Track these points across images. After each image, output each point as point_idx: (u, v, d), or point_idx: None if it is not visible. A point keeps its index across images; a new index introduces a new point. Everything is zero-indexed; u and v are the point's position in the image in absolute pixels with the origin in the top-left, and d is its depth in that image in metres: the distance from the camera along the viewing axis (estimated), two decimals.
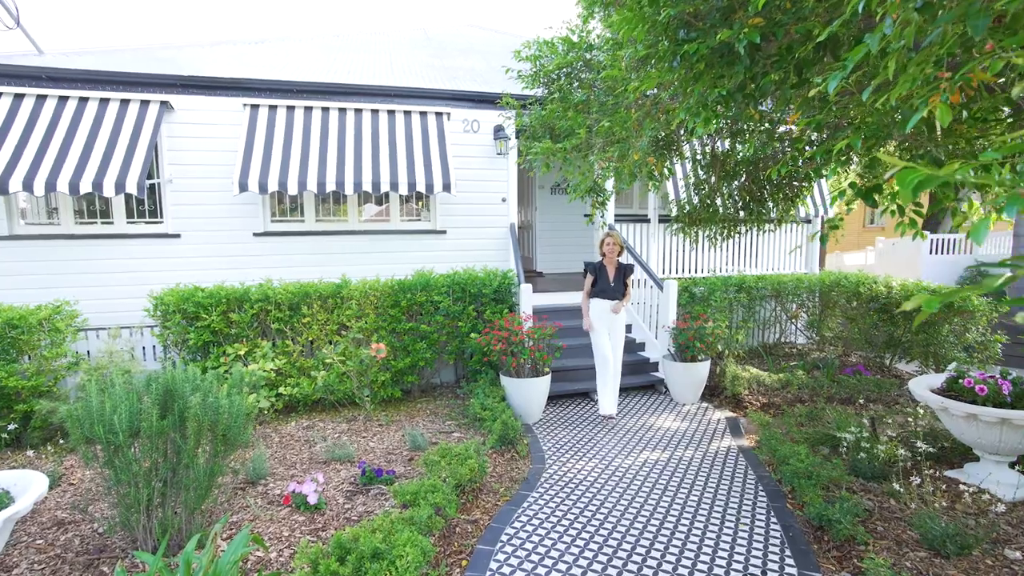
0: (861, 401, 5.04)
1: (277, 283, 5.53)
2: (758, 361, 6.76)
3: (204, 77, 5.87)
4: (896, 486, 3.16)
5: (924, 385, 3.80)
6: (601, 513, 3.36)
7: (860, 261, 15.94)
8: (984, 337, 5.47)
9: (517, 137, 6.78)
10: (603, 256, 5.07)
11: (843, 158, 1.53)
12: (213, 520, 3.14)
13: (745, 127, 5.10)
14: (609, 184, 4.28)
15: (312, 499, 3.30)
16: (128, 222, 5.96)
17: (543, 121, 4.10)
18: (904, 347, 6.05)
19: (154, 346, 5.80)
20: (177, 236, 6.00)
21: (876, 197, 1.66)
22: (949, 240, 12.27)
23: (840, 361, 6.43)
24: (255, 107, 6.01)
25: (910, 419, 4.16)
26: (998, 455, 3.42)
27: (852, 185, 1.61)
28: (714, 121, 2.08)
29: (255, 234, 6.26)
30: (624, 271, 5.08)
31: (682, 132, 3.42)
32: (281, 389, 5.05)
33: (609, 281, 5.02)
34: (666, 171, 3.79)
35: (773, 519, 3.24)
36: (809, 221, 8.32)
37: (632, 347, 6.47)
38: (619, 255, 5.00)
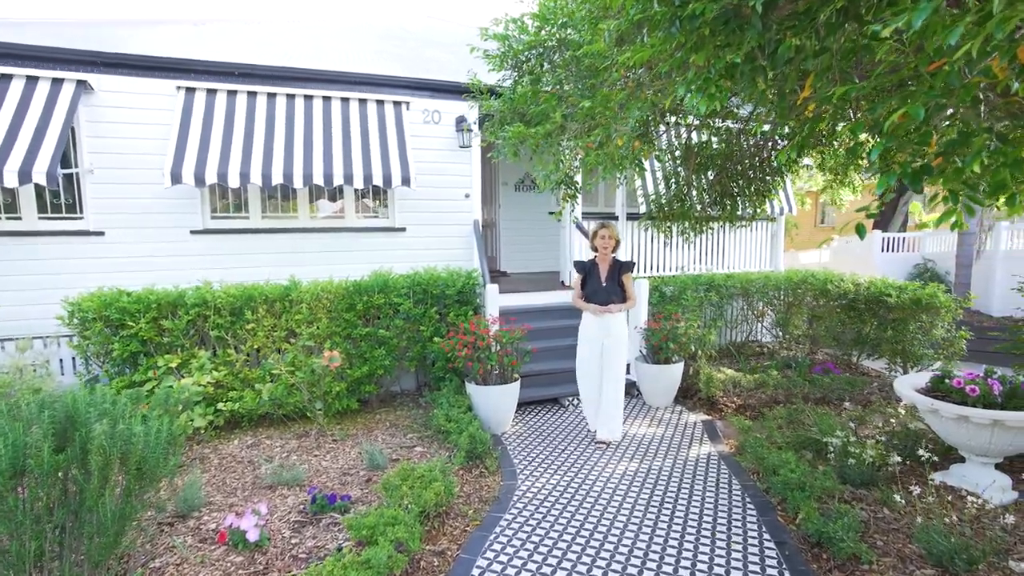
0: (847, 404, 4.93)
1: (218, 285, 4.97)
2: (729, 361, 6.65)
3: (130, 55, 5.22)
4: (897, 497, 2.99)
5: (908, 385, 3.68)
6: (581, 536, 3.05)
7: (815, 259, 16.40)
8: (949, 334, 5.51)
9: (481, 127, 6.42)
10: (595, 252, 4.48)
11: (902, 133, 1.28)
12: (129, 569, 2.65)
13: (711, 122, 4.96)
14: (581, 176, 3.98)
15: (252, 535, 2.85)
16: (40, 218, 5.24)
17: (513, 106, 3.76)
18: (872, 344, 6.05)
19: (73, 358, 5.12)
20: (100, 234, 5.33)
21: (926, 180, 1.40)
22: (899, 239, 12.72)
23: (809, 359, 6.39)
24: (191, 91, 5.41)
25: (892, 420, 4.06)
26: (986, 456, 3.32)
27: (902, 165, 1.36)
28: (718, 97, 1.81)
29: (193, 232, 5.65)
30: (619, 268, 4.37)
31: (665, 116, 3.14)
32: (221, 404, 4.50)
33: (600, 281, 4.35)
34: (653, 157, 3.51)
35: (766, 535, 3.01)
36: (773, 219, 8.33)
37: None
38: (614, 251, 4.40)
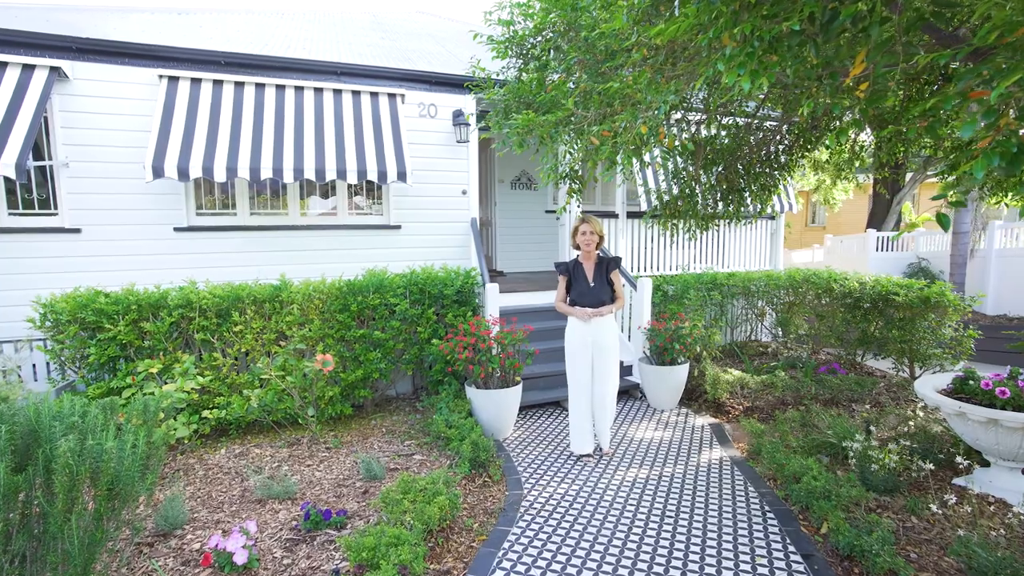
0: (867, 406, 4.80)
1: (203, 286, 4.71)
2: (732, 361, 6.51)
3: (109, 41, 4.94)
4: (934, 507, 2.83)
5: (931, 387, 3.54)
6: (596, 552, 2.85)
7: (808, 258, 16.40)
8: (957, 333, 5.41)
9: (479, 120, 6.21)
10: (577, 249, 4.04)
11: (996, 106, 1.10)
12: None
13: (718, 116, 4.81)
14: (586, 169, 3.77)
15: (240, 557, 2.61)
16: (11, 214, 4.93)
17: (518, 95, 3.55)
18: (879, 343, 5.93)
19: (48, 363, 4.82)
20: (77, 231, 5.04)
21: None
22: (893, 238, 12.72)
23: (813, 360, 6.27)
24: (174, 80, 5.14)
25: (910, 422, 3.93)
26: (1014, 461, 3.18)
27: (1002, 144, 1.19)
28: (764, 74, 1.62)
29: (176, 229, 5.38)
30: (607, 265, 3.98)
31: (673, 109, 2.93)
32: (206, 412, 4.24)
33: (588, 281, 3.94)
34: (659, 152, 3.35)
35: (791, 547, 2.84)
36: (773, 217, 8.23)
37: None
38: (598, 247, 4.01)
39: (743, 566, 2.70)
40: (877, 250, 12.55)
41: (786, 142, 4.99)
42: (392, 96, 5.90)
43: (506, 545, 2.92)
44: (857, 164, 5.40)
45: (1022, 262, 10.50)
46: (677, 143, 2.94)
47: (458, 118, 6.14)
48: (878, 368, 6.41)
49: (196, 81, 5.21)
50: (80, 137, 4.96)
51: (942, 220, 1.50)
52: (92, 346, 4.24)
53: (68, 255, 5.01)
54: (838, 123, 4.68)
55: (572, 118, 2.93)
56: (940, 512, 2.87)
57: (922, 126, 1.52)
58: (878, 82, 1.52)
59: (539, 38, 3.46)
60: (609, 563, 2.75)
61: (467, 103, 6.24)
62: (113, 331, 4.24)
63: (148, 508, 3.18)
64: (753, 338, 7.54)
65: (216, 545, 2.69)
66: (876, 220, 13.58)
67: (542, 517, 3.24)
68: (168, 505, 3.06)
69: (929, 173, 12.65)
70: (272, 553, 2.81)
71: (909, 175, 12.75)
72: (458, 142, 6.24)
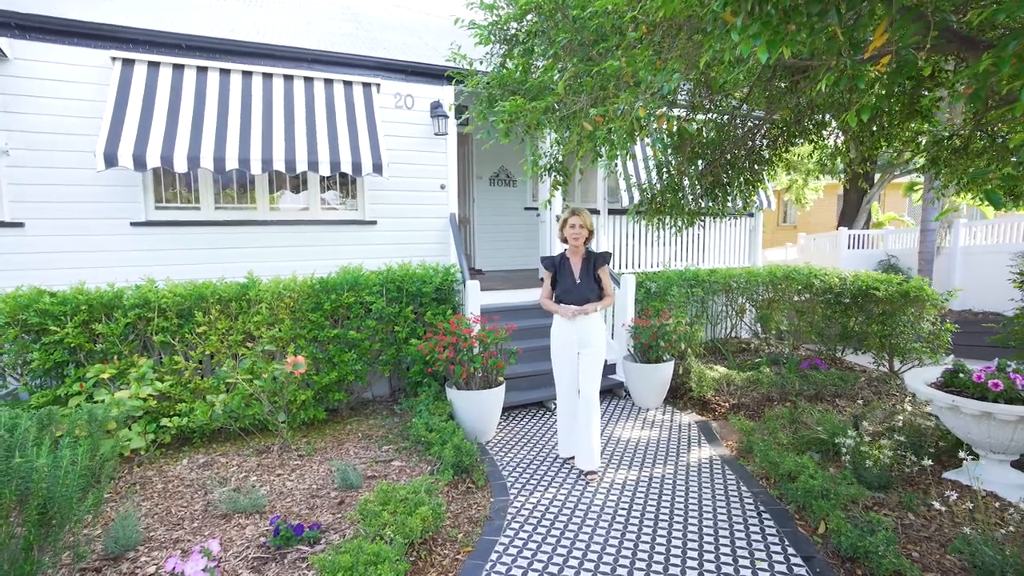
0: (860, 402, 4.78)
1: (163, 284, 4.38)
2: (715, 358, 6.47)
3: (55, 19, 4.55)
4: (936, 504, 2.76)
5: (920, 380, 3.51)
6: (589, 560, 2.69)
7: (781, 256, 16.69)
8: (935, 327, 5.46)
9: (458, 115, 6.01)
10: (564, 243, 3.77)
11: None
12: None
13: (704, 109, 4.72)
14: (580, 158, 3.59)
15: None
16: None
17: (502, 83, 3.37)
18: (859, 338, 5.96)
19: None
20: (19, 225, 4.63)
21: None
22: (864, 236, 13.02)
23: (796, 356, 6.27)
24: (129, 63, 4.78)
25: (898, 416, 3.90)
26: (1004, 454, 3.16)
27: None
28: (784, 42, 1.48)
29: (133, 224, 5.01)
30: (595, 261, 3.72)
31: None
32: (166, 420, 3.93)
33: (574, 277, 3.69)
34: (646, 145, 3.22)
35: (790, 549, 2.73)
36: (752, 215, 8.25)
37: None
38: (587, 242, 3.77)
39: (743, 571, 2.58)
40: (849, 248, 12.82)
41: (768, 137, 4.94)
42: (367, 85, 5.64)
43: (494, 556, 2.74)
44: (839, 160, 5.40)
45: (985, 259, 10.84)
46: (676, 127, 2.80)
47: (436, 110, 5.92)
48: (858, 363, 6.46)
49: (154, 65, 4.86)
50: (21, 123, 4.55)
51: (992, 197, 1.39)
52: (36, 350, 3.88)
53: (9, 252, 4.60)
54: (826, 118, 4.65)
55: (561, 104, 2.77)
56: (941, 508, 2.81)
57: (967, 92, 1.41)
58: (903, 54, 1.41)
59: (523, 22, 3.29)
60: (604, 572, 2.59)
61: (445, 94, 6.03)
62: (60, 334, 3.89)
63: (96, 528, 2.89)
64: (733, 335, 7.53)
65: (173, 568, 2.42)
66: (847, 219, 13.89)
67: (530, 525, 3.06)
68: (119, 524, 2.77)
69: (896, 173, 12.99)
70: (238, 574, 2.56)
71: (877, 176, 13.07)
72: (436, 135, 6.01)
